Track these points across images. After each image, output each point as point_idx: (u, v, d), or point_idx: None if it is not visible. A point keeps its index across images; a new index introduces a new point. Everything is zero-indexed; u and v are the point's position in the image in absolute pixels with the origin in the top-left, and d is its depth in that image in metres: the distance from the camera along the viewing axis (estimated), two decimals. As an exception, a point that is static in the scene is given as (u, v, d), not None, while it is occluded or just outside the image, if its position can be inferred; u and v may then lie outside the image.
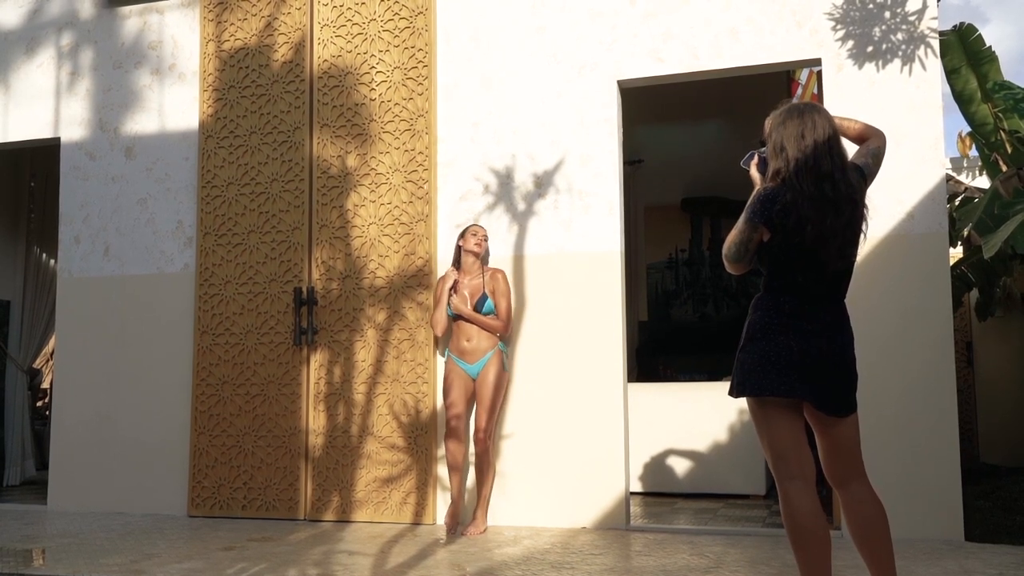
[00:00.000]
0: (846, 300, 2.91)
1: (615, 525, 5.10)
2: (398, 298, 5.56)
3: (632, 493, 6.04)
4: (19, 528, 5.45)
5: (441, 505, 5.34)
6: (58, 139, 6.48)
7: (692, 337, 9.85)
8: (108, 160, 6.32)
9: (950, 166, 9.55)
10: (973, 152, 8.77)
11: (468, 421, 5.23)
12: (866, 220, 2.88)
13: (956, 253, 7.36)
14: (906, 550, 4.19)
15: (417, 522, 5.37)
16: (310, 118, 5.84)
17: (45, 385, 9.70)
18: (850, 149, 2.99)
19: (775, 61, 5.17)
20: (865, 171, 2.93)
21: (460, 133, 5.60)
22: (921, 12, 4.92)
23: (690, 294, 10.17)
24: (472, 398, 5.18)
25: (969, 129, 7.09)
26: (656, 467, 6.50)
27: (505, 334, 5.24)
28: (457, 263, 5.30)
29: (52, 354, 8.17)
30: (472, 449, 5.19)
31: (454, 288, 5.20)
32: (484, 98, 5.59)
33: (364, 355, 5.59)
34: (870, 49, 4.96)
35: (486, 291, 5.15)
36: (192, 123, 6.14)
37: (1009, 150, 6.58)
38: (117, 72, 6.37)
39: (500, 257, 5.46)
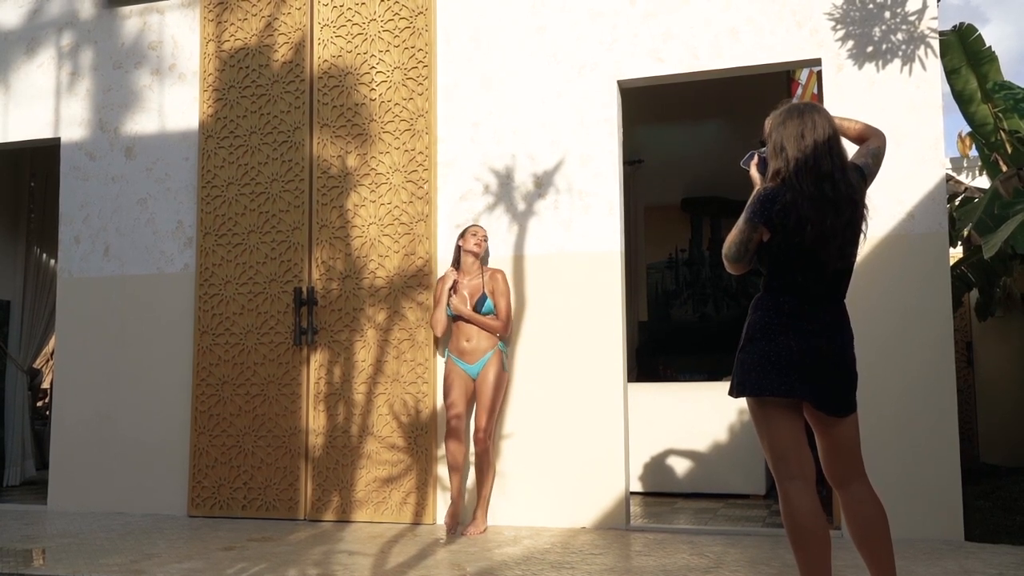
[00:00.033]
0: (846, 300, 2.91)
1: (615, 525, 5.10)
2: (398, 298, 5.56)
3: (632, 493, 6.04)
4: (19, 528, 5.45)
5: (441, 505, 5.34)
6: (58, 139, 6.48)
7: (692, 337, 9.85)
8: (108, 160, 6.32)
9: (950, 166, 9.55)
10: (973, 152, 8.78)
11: (468, 421, 5.23)
12: (866, 220, 2.88)
13: (956, 253, 7.36)
14: (906, 550, 4.19)
15: (417, 522, 5.37)
16: (310, 118, 5.84)
17: (45, 385, 9.71)
18: (850, 149, 2.99)
19: (775, 61, 5.17)
20: (865, 171, 2.93)
21: (460, 133, 5.60)
22: (921, 12, 4.92)
23: (690, 294, 10.17)
24: (472, 398, 5.18)
25: (969, 129, 7.09)
26: (656, 467, 6.50)
27: (505, 334, 5.24)
28: (457, 263, 5.30)
29: (52, 354, 8.17)
30: (472, 449, 5.19)
31: (453, 288, 5.20)
32: (484, 98, 5.59)
33: (364, 355, 5.59)
34: (870, 49, 4.97)
35: (486, 291, 5.15)
36: (192, 123, 6.14)
37: (1009, 150, 6.59)
38: (117, 72, 6.37)
39: (500, 257, 5.46)
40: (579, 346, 5.26)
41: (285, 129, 5.89)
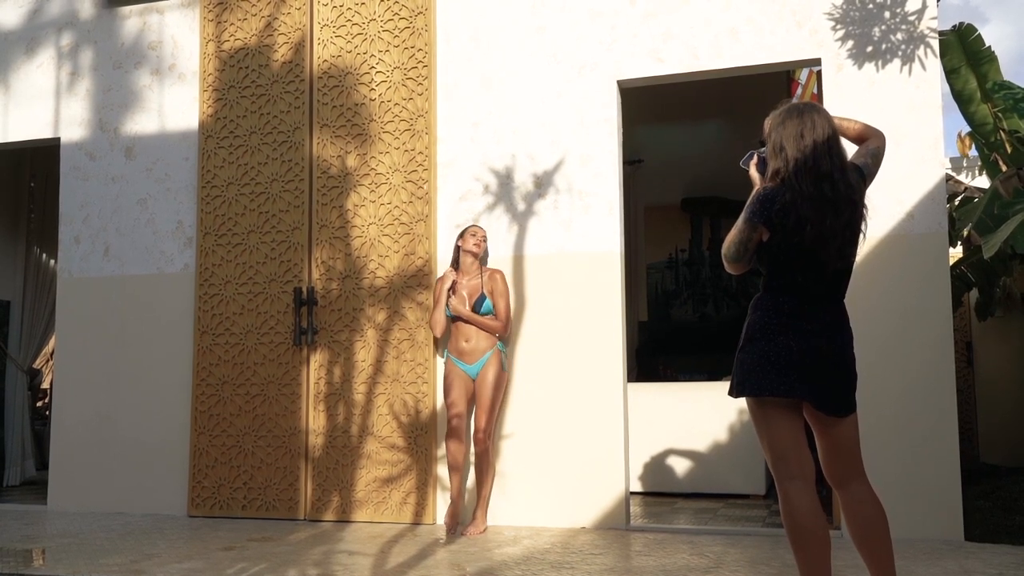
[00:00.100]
0: (845, 300, 2.91)
1: (615, 525, 5.10)
2: (398, 298, 5.56)
3: (632, 493, 6.04)
4: (19, 528, 5.45)
5: (441, 505, 5.34)
6: (58, 139, 6.48)
7: (692, 337, 9.85)
8: (108, 160, 6.32)
9: (950, 166, 9.55)
10: (973, 152, 8.77)
11: (469, 421, 5.23)
12: (865, 220, 2.88)
13: (956, 253, 7.36)
14: (906, 550, 4.19)
15: (417, 522, 5.37)
16: (310, 118, 5.84)
17: (45, 385, 9.70)
18: (849, 149, 2.99)
19: (775, 61, 5.17)
20: (864, 171, 2.93)
21: (460, 133, 5.60)
22: (921, 12, 4.92)
23: (690, 294, 10.17)
24: (472, 398, 5.18)
25: (969, 129, 7.09)
26: (656, 467, 6.50)
27: (504, 334, 5.24)
28: (456, 263, 5.30)
29: (52, 354, 8.17)
30: (472, 449, 5.18)
31: (452, 289, 5.20)
32: (484, 98, 5.59)
33: (364, 355, 5.59)
34: (870, 49, 4.97)
35: (484, 291, 5.15)
36: (192, 123, 6.14)
37: (1009, 150, 6.59)
38: (117, 72, 6.37)
39: (500, 257, 5.46)
40: (579, 346, 5.26)
41: (285, 129, 5.89)
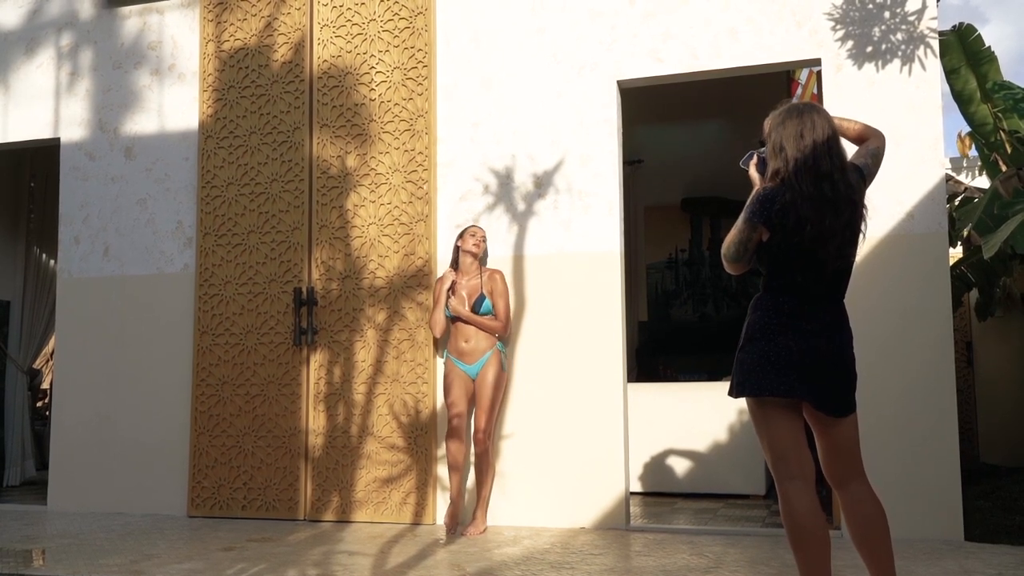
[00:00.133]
0: (845, 300, 2.91)
1: (615, 525, 5.10)
2: (398, 298, 5.56)
3: (632, 493, 6.05)
4: (19, 528, 5.45)
5: (441, 505, 5.34)
6: (58, 139, 6.48)
7: (692, 337, 9.85)
8: (108, 160, 6.32)
9: (950, 166, 9.55)
10: (973, 152, 8.77)
11: (469, 421, 5.23)
12: (865, 220, 2.88)
13: (956, 253, 7.36)
14: (906, 550, 4.19)
15: (417, 522, 5.37)
16: (310, 118, 5.84)
17: (45, 385, 9.70)
18: (849, 150, 2.99)
19: (775, 61, 5.17)
20: (864, 171, 2.93)
21: (460, 133, 5.60)
22: (920, 12, 4.92)
23: (690, 294, 10.17)
24: (472, 398, 5.18)
25: (969, 129, 7.09)
26: (656, 467, 6.50)
27: (504, 334, 5.24)
28: (455, 264, 5.30)
29: (52, 354, 8.17)
30: (472, 449, 5.18)
31: (452, 289, 5.20)
32: (484, 98, 5.59)
33: (364, 355, 5.59)
34: (869, 49, 4.97)
35: (484, 292, 5.15)
36: (192, 123, 6.14)
37: (1009, 150, 6.58)
38: (117, 72, 6.37)
39: (500, 257, 5.46)
40: (579, 346, 5.25)
41: (285, 129, 5.89)
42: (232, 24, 6.09)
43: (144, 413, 6.03)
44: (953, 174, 8.76)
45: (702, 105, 7.96)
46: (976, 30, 6.50)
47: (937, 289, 4.76)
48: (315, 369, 5.67)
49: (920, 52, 4.90)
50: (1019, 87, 6.08)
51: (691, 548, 4.53)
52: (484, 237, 5.30)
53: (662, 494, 6.47)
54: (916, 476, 4.66)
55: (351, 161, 5.73)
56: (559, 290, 5.34)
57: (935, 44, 4.91)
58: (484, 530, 5.06)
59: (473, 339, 5.13)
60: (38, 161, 7.84)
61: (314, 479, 5.60)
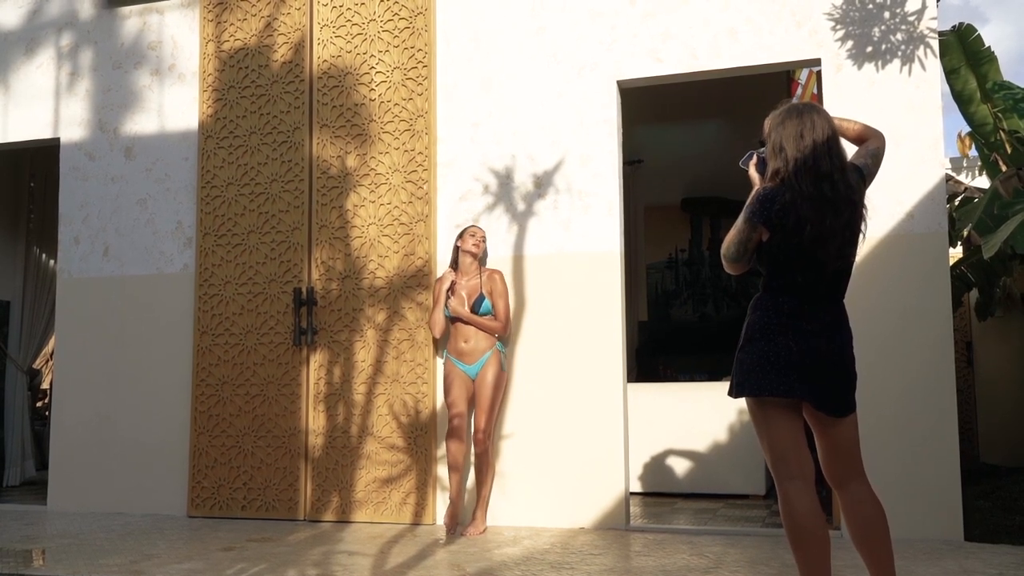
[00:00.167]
0: (845, 300, 2.91)
1: (615, 525, 5.10)
2: (398, 298, 5.56)
3: (632, 493, 6.04)
4: (19, 528, 5.45)
5: (441, 505, 5.34)
6: (58, 139, 6.48)
7: (692, 337, 9.85)
8: (108, 160, 6.32)
9: (950, 166, 9.55)
10: (973, 152, 8.77)
11: (469, 421, 5.23)
12: (865, 220, 2.88)
13: (956, 253, 7.36)
14: (906, 550, 4.19)
15: (417, 522, 5.37)
16: (310, 118, 5.84)
17: (45, 385, 9.70)
18: (849, 150, 2.98)
19: (774, 61, 5.17)
20: (864, 172, 2.93)
21: (460, 133, 5.60)
22: (920, 12, 4.92)
23: (690, 294, 10.18)
24: (472, 398, 5.18)
25: (969, 129, 7.09)
26: (656, 467, 6.50)
27: (504, 335, 5.24)
28: (455, 264, 5.30)
29: (52, 354, 8.17)
30: (472, 449, 5.18)
31: (451, 289, 5.20)
32: (484, 99, 5.58)
33: (364, 355, 5.59)
34: (869, 49, 4.96)
35: (483, 292, 5.15)
36: (192, 123, 6.14)
37: (1009, 150, 6.59)
38: (117, 72, 6.37)
39: (500, 257, 5.46)
40: (579, 346, 5.25)
41: (285, 129, 5.89)
42: (232, 24, 6.09)
43: (144, 413, 6.03)
44: (953, 174, 8.76)
45: (702, 105, 7.96)
46: (976, 30, 6.50)
47: (937, 289, 4.76)
48: (315, 369, 5.67)
49: (920, 52, 4.89)
50: (1019, 87, 6.08)
51: (691, 548, 4.53)
52: (484, 237, 5.30)
53: (662, 494, 6.47)
54: (916, 476, 4.66)
55: (351, 161, 5.73)
56: (559, 290, 5.34)
57: (935, 44, 4.91)
58: (484, 530, 5.06)
59: (472, 339, 5.13)
60: (38, 161, 7.84)
61: (314, 479, 5.60)
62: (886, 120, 4.61)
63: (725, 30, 5.19)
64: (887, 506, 2.90)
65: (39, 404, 9.30)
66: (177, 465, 5.91)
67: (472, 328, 5.12)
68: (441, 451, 5.36)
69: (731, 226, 2.91)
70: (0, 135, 6.64)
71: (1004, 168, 6.56)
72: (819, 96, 5.13)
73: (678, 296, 10.21)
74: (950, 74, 6.64)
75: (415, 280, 5.54)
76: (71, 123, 6.44)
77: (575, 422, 5.21)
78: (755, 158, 3.02)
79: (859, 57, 4.97)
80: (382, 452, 5.48)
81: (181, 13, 6.26)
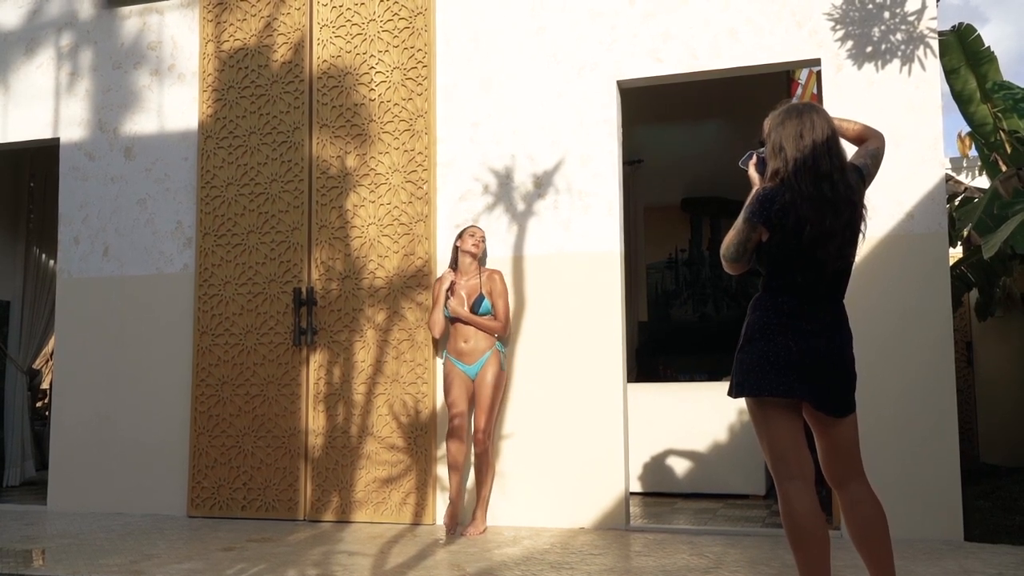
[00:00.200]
0: (845, 300, 2.91)
1: (615, 525, 5.09)
2: (397, 298, 5.56)
3: (632, 493, 6.04)
4: (19, 528, 5.45)
5: (441, 505, 5.34)
6: (57, 139, 6.48)
7: (692, 337, 9.85)
8: (107, 160, 6.32)
9: (950, 166, 9.55)
10: (973, 152, 8.77)
11: (470, 421, 5.23)
12: (865, 220, 2.87)
13: (956, 253, 7.36)
14: (906, 550, 4.19)
15: (417, 522, 5.37)
16: (309, 118, 5.84)
17: (45, 385, 9.70)
18: (849, 151, 2.98)
19: (774, 61, 5.17)
20: (864, 172, 2.93)
21: (460, 133, 5.60)
22: (920, 12, 4.92)
23: (690, 294, 10.18)
24: (472, 398, 5.18)
25: (969, 129, 7.09)
26: (656, 467, 6.50)
27: (503, 335, 5.24)
28: (454, 264, 5.30)
29: (52, 354, 8.17)
30: (472, 449, 5.18)
31: (451, 289, 5.19)
32: (484, 99, 5.58)
33: (364, 355, 5.59)
34: (869, 49, 4.96)
35: (483, 292, 5.15)
36: (191, 123, 6.14)
37: (1009, 150, 6.58)
38: (116, 72, 6.37)
39: (500, 257, 5.46)
40: (579, 346, 5.25)
41: (284, 129, 5.89)
42: (232, 24, 6.09)
43: (144, 413, 6.03)
44: (953, 174, 8.76)
45: (702, 105, 7.96)
46: (976, 30, 6.50)
47: (937, 289, 4.76)
48: (315, 369, 5.67)
49: (920, 52, 4.89)
50: (1019, 87, 6.08)
51: (691, 548, 4.53)
52: (483, 237, 5.30)
53: (662, 494, 6.47)
54: (916, 476, 4.66)
55: (351, 161, 5.73)
56: (559, 290, 5.34)
57: (935, 44, 4.91)
58: (484, 530, 5.06)
59: (472, 339, 5.13)
60: (38, 161, 7.84)
61: (314, 479, 5.60)
62: (886, 120, 4.61)
63: (725, 30, 5.19)
64: (887, 506, 2.90)
65: (39, 404, 9.30)
66: (177, 465, 5.91)
67: (472, 328, 5.12)
68: (441, 451, 5.37)
69: (731, 226, 2.91)
70: (0, 135, 6.64)
71: (1004, 168, 6.56)
72: (819, 96, 5.13)
73: (678, 296, 10.21)
74: (950, 74, 6.64)
75: (415, 280, 5.54)
76: (71, 123, 6.44)
77: (575, 422, 5.21)
78: (754, 158, 3.02)
79: (859, 57, 4.97)
80: (382, 452, 5.48)
81: (181, 13, 6.26)
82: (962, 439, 6.03)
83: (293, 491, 5.62)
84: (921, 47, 4.89)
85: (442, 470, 5.34)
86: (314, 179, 5.79)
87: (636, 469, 6.43)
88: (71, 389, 6.25)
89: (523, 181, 5.47)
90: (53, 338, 7.19)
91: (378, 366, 5.54)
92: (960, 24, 6.53)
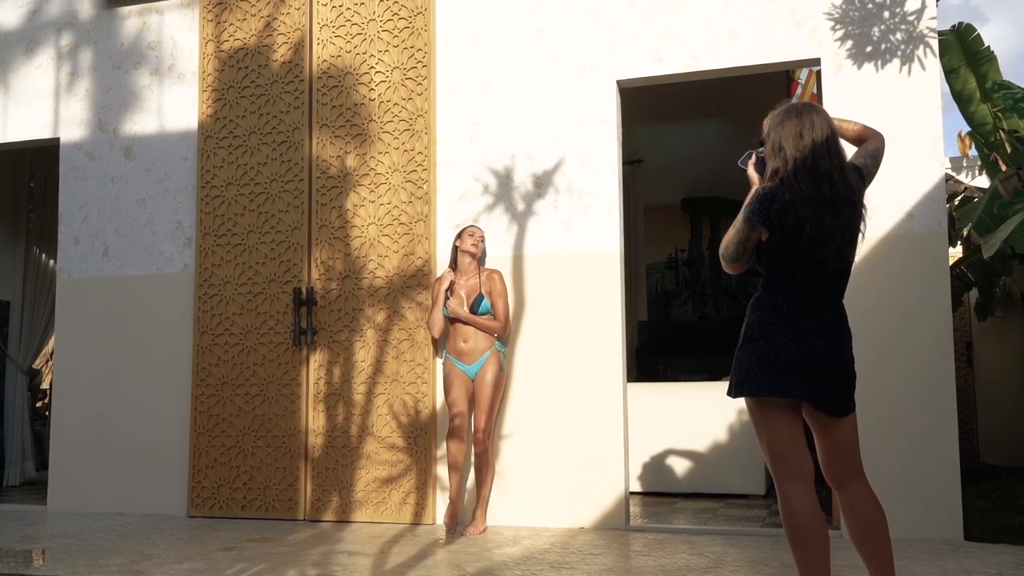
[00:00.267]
0: (844, 300, 2.91)
1: (615, 525, 5.10)
2: (397, 298, 5.56)
3: (632, 493, 6.04)
4: (19, 528, 5.45)
5: (441, 505, 5.34)
6: (57, 139, 6.48)
7: (692, 337, 9.85)
8: (107, 160, 6.32)
9: (950, 166, 9.55)
10: (973, 152, 8.77)
11: (470, 420, 5.23)
12: (864, 220, 2.87)
13: (956, 253, 7.36)
14: (905, 550, 4.19)
15: (417, 522, 5.37)
16: (309, 118, 5.84)
17: (45, 385, 9.70)
18: (848, 151, 2.98)
19: (774, 61, 5.17)
20: (864, 172, 2.93)
21: (459, 133, 5.60)
22: (920, 12, 4.92)
23: (690, 294, 10.18)
24: (472, 398, 5.18)
25: (969, 129, 7.09)
26: (656, 467, 6.50)
27: (503, 334, 5.24)
28: (454, 264, 5.30)
29: (52, 354, 8.17)
30: (472, 449, 5.18)
31: (450, 289, 5.19)
32: (483, 98, 5.58)
33: (364, 355, 5.59)
34: (869, 49, 4.96)
35: (482, 291, 5.15)
36: (191, 123, 6.14)
37: (1008, 150, 6.59)
38: (116, 72, 6.37)
39: (499, 257, 5.46)
40: (579, 346, 5.25)
41: (284, 129, 5.89)
42: (232, 24, 6.09)
43: (144, 413, 6.03)
44: (953, 174, 8.76)
45: (701, 105, 7.97)
46: (975, 30, 6.50)
47: (937, 289, 4.76)
48: (315, 369, 5.67)
49: (920, 52, 4.89)
50: (1019, 87, 6.08)
51: (691, 548, 4.53)
52: (482, 237, 5.30)
53: (662, 494, 6.47)
54: (916, 476, 4.66)
55: (351, 161, 5.73)
56: (559, 290, 5.34)
57: (935, 44, 4.91)
58: (484, 530, 5.06)
59: (472, 339, 5.13)
60: (38, 161, 7.84)
61: (314, 479, 5.60)
62: (886, 120, 4.61)
63: (725, 30, 5.19)
64: (887, 506, 2.90)
65: (39, 404, 9.30)
66: (177, 465, 5.91)
67: (471, 328, 5.12)
68: (441, 451, 5.37)
69: (731, 226, 2.91)
70: (0, 135, 6.64)
71: (1004, 168, 6.56)
72: (819, 96, 5.13)
73: (678, 296, 10.21)
74: (950, 74, 6.64)
75: (415, 280, 5.54)
76: (71, 123, 6.44)
77: (575, 422, 5.21)
78: (754, 157, 3.02)
79: (859, 57, 4.97)
80: (382, 452, 5.48)
81: (181, 13, 6.26)
82: (962, 439, 6.04)
83: (293, 491, 5.62)
84: (921, 47, 4.89)
85: (442, 470, 5.34)
86: (314, 179, 5.79)
87: (636, 469, 6.43)
88: (71, 389, 6.25)
89: (523, 181, 5.47)
90: (53, 338, 7.20)
91: (378, 366, 5.55)
92: (960, 24, 6.53)
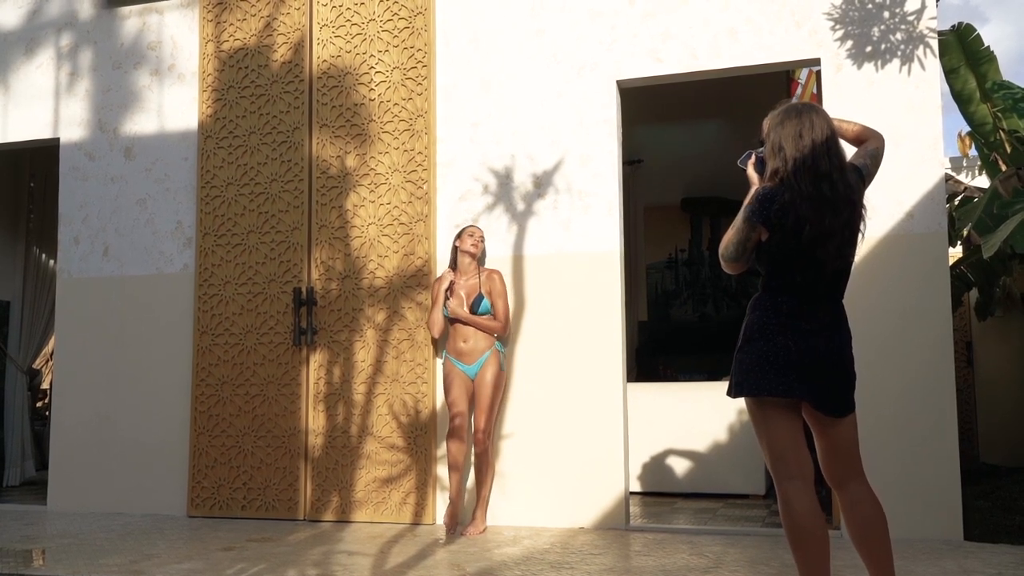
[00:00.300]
0: (844, 300, 2.91)
1: (615, 525, 5.10)
2: (397, 298, 5.56)
3: (632, 493, 6.04)
4: (19, 528, 5.45)
5: (441, 505, 5.34)
6: (57, 139, 6.48)
7: (692, 337, 9.86)
8: (107, 160, 6.32)
9: (949, 166, 9.55)
10: (973, 152, 8.77)
11: (470, 420, 5.23)
12: (864, 220, 2.87)
13: (956, 253, 7.36)
14: (905, 550, 4.19)
15: (417, 522, 5.37)
16: (309, 118, 5.84)
17: (45, 385, 9.70)
18: (848, 152, 2.98)
19: (774, 61, 5.17)
20: (863, 172, 2.93)
21: (459, 133, 5.60)
22: (920, 12, 4.92)
23: (690, 294, 10.18)
24: (472, 398, 5.18)
25: (968, 129, 7.09)
26: (656, 467, 6.50)
27: (503, 335, 5.24)
28: (454, 264, 5.30)
29: (52, 354, 8.17)
30: (472, 449, 5.18)
31: (450, 289, 5.19)
32: (483, 99, 5.59)
33: (363, 355, 5.59)
34: (869, 49, 4.97)
35: (482, 291, 5.15)
36: (191, 123, 6.14)
37: (1008, 150, 6.59)
38: (116, 72, 6.37)
39: (499, 257, 5.46)
40: (579, 346, 5.25)
41: (284, 129, 5.89)
42: (232, 24, 6.09)
43: (144, 413, 6.04)
44: (953, 174, 8.76)
45: (701, 105, 7.96)
46: (975, 30, 6.50)
47: (937, 289, 4.76)
48: (315, 369, 5.67)
49: (919, 52, 4.90)
50: (1019, 87, 6.09)
51: (691, 548, 4.53)
52: (482, 237, 5.30)
53: (662, 494, 6.47)
54: (916, 476, 4.66)
55: (351, 161, 5.73)
56: (559, 290, 5.34)
57: (934, 44, 4.91)
58: (484, 530, 5.06)
59: (471, 339, 5.13)
60: (38, 161, 7.84)
61: (314, 479, 5.60)
62: (886, 120, 4.61)
63: (725, 30, 5.19)
64: (887, 506, 2.90)
65: (39, 404, 9.30)
66: (177, 465, 5.91)
67: (471, 328, 5.12)
68: (441, 451, 5.37)
69: (731, 226, 2.91)
70: (0, 135, 6.64)
71: (1004, 168, 6.56)
72: (819, 96, 5.13)
73: (678, 296, 10.22)
74: (950, 74, 6.64)
75: (415, 280, 5.54)
76: (71, 123, 6.44)
77: (575, 422, 5.21)
78: (753, 157, 3.02)
79: (859, 57, 4.97)
80: (382, 452, 5.48)
81: (181, 13, 6.26)
82: (962, 439, 6.04)
83: (293, 491, 5.62)
84: (921, 47, 4.89)
85: (442, 470, 5.34)
86: (314, 179, 5.79)
87: (636, 469, 6.43)
88: (71, 389, 6.25)
89: (523, 181, 5.47)
90: (53, 338, 7.20)
91: (378, 366, 5.55)
92: (960, 24, 6.53)
